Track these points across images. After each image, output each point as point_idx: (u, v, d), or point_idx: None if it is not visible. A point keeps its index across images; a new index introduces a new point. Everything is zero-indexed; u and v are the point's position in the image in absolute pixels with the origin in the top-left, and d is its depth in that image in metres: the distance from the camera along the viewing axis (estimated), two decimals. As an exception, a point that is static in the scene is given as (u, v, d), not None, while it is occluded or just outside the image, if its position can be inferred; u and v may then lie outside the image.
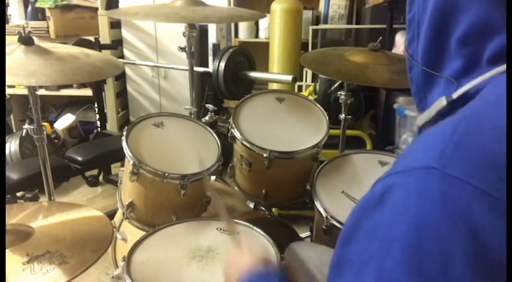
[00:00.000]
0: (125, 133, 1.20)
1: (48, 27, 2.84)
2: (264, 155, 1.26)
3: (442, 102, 0.49)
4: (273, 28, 2.97)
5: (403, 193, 0.39)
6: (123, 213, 1.26)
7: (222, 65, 1.78)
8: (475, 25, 0.46)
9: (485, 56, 0.46)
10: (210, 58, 2.70)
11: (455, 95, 0.48)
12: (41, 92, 2.75)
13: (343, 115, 1.65)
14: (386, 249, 0.38)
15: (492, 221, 0.34)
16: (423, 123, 0.54)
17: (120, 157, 1.31)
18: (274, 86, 2.78)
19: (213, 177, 1.58)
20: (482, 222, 0.34)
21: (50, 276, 0.80)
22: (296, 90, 2.94)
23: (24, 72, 1.04)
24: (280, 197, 1.45)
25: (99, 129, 2.75)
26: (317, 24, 3.19)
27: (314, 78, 2.81)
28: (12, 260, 0.83)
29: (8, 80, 1.01)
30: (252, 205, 1.49)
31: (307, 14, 3.15)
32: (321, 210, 1.17)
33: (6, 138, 2.42)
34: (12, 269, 0.80)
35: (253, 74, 1.88)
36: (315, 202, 1.21)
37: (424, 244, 0.36)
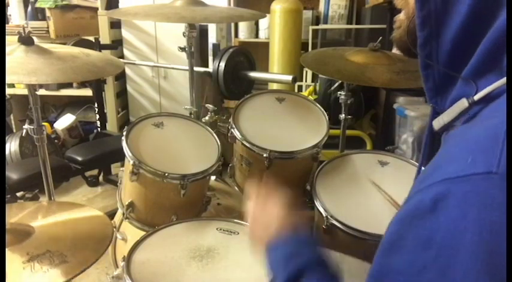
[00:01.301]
0: (124, 133, 1.20)
1: (48, 27, 2.84)
2: (264, 155, 1.26)
3: (463, 104, 0.48)
4: (273, 28, 2.97)
5: (460, 200, 0.38)
6: (123, 213, 1.26)
7: (222, 65, 1.78)
8: (501, 28, 0.45)
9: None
10: (210, 58, 2.70)
11: (477, 97, 0.47)
12: (41, 92, 2.75)
13: (343, 115, 1.65)
14: (450, 258, 0.37)
15: None
16: (441, 127, 0.52)
17: (120, 157, 1.31)
18: (274, 86, 2.79)
19: (213, 177, 1.58)
20: None
21: (50, 275, 0.80)
22: (296, 90, 2.94)
23: (24, 70, 1.04)
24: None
25: (99, 129, 2.74)
26: (317, 24, 3.19)
27: (314, 78, 2.81)
28: (13, 259, 0.83)
29: (8, 79, 1.01)
30: (252, 205, 1.49)
31: (307, 14, 3.15)
32: (321, 210, 1.17)
33: (6, 138, 2.42)
34: (12, 268, 0.80)
35: (253, 74, 1.88)
36: (315, 202, 1.21)
37: (496, 252, 0.35)
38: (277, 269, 0.59)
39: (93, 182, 2.66)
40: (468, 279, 0.35)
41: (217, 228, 1.09)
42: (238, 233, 1.08)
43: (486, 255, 0.35)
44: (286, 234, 0.63)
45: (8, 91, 2.81)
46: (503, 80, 0.44)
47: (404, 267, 0.40)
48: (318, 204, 1.20)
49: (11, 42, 1.16)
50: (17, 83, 2.20)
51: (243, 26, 3.32)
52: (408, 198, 0.43)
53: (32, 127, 1.25)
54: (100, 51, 2.37)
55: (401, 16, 0.59)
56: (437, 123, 0.53)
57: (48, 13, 2.81)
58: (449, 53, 0.50)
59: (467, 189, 0.37)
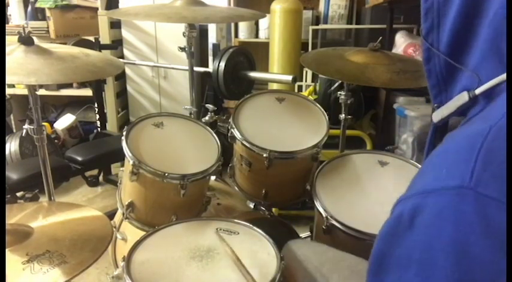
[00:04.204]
0: (124, 133, 1.20)
1: (48, 27, 2.84)
2: (264, 155, 1.26)
3: (463, 97, 0.47)
4: (273, 28, 2.97)
5: (434, 216, 0.37)
6: (123, 213, 1.26)
7: (222, 65, 1.78)
8: (496, 15, 0.44)
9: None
10: (210, 58, 2.70)
11: (478, 91, 0.46)
12: (41, 92, 2.75)
13: (343, 115, 1.65)
14: (427, 277, 0.36)
15: None
16: (440, 119, 0.52)
17: (120, 157, 1.31)
18: (274, 86, 2.78)
19: (213, 177, 1.58)
20: None
21: (49, 275, 0.80)
22: (296, 90, 2.94)
23: (24, 71, 1.04)
24: (280, 197, 1.45)
25: (99, 129, 2.75)
26: (317, 24, 3.19)
27: (314, 78, 2.81)
28: (12, 259, 0.83)
29: (8, 79, 1.01)
30: (252, 205, 1.49)
31: (307, 14, 3.15)
32: (321, 210, 1.17)
33: (6, 138, 2.42)
34: (12, 268, 0.80)
35: (253, 74, 1.88)
36: (315, 202, 1.21)
37: (469, 272, 0.34)
38: None
39: (93, 182, 2.66)
40: None
41: (217, 228, 1.09)
42: (238, 233, 1.08)
43: (459, 274, 0.35)
44: None
45: (8, 91, 2.81)
46: (505, 75, 0.43)
47: None
48: (318, 204, 1.20)
49: (11, 42, 1.16)
50: (17, 83, 2.20)
51: (243, 26, 3.32)
52: (393, 206, 0.43)
53: (32, 127, 1.25)
54: (100, 51, 2.37)
55: None
56: (437, 115, 0.53)
57: (48, 13, 2.81)
58: (449, 42, 0.51)
59: (441, 204, 0.37)
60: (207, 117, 1.64)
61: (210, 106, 1.65)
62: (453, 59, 0.50)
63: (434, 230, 0.37)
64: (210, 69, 1.88)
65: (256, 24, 3.33)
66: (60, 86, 2.96)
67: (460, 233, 0.35)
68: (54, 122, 3.06)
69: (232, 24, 3.26)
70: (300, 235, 1.45)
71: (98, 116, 2.73)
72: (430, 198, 0.38)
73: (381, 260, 0.42)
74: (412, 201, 0.40)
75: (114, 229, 1.22)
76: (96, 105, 2.72)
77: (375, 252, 0.43)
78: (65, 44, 2.10)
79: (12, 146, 2.38)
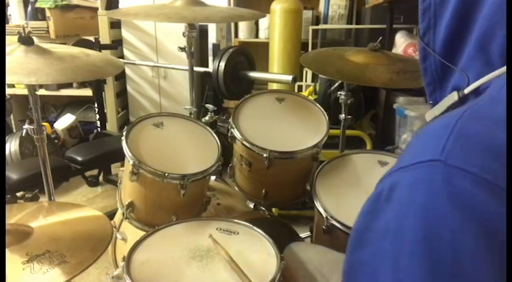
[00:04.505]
0: (124, 133, 1.20)
1: (48, 27, 2.84)
2: (264, 155, 1.26)
3: (453, 97, 0.49)
4: (273, 28, 2.97)
5: (408, 187, 0.39)
6: (123, 213, 1.26)
7: (222, 65, 1.78)
8: (492, 22, 0.46)
9: (499, 52, 0.45)
10: (210, 58, 2.70)
11: (467, 90, 0.48)
12: (41, 92, 2.75)
13: (343, 115, 1.65)
14: (399, 244, 0.38)
15: (496, 207, 0.35)
16: (432, 119, 0.53)
17: (120, 157, 1.31)
18: (274, 86, 2.78)
19: (213, 177, 1.58)
20: (487, 208, 0.35)
21: (49, 275, 0.80)
22: (296, 90, 2.94)
23: (24, 71, 1.04)
24: (280, 197, 1.45)
25: (99, 129, 2.75)
26: (317, 24, 3.19)
27: (314, 78, 2.81)
28: (12, 259, 0.83)
29: (8, 79, 1.01)
30: (252, 205, 1.49)
31: (307, 14, 3.15)
32: (321, 210, 1.17)
33: (6, 138, 2.42)
34: (12, 268, 0.80)
35: (253, 74, 1.88)
36: (315, 202, 1.21)
37: (434, 234, 0.36)
38: None
39: (93, 182, 2.66)
40: (411, 264, 0.37)
41: (217, 229, 1.09)
42: (238, 233, 1.08)
43: (427, 239, 0.36)
44: None
45: (8, 91, 2.81)
46: (492, 74, 0.45)
47: (370, 258, 0.42)
48: (318, 204, 1.20)
49: (11, 42, 1.16)
50: (17, 83, 2.20)
51: (243, 26, 3.32)
52: (376, 186, 0.45)
53: (32, 127, 1.25)
54: (100, 51, 2.37)
55: None
56: (429, 115, 0.55)
57: (48, 13, 2.81)
58: (444, 42, 0.52)
59: (415, 177, 0.39)
60: (207, 117, 1.64)
61: (210, 106, 1.65)
62: (447, 58, 0.52)
63: (407, 199, 0.39)
64: (210, 69, 1.88)
65: (256, 24, 3.33)
66: (60, 86, 2.96)
67: (428, 200, 0.37)
68: (54, 122, 3.06)
69: (232, 24, 3.26)
70: (300, 235, 1.45)
71: (98, 116, 2.73)
72: (406, 172, 0.41)
73: (361, 235, 0.44)
74: (390, 178, 0.42)
75: (114, 229, 1.22)
76: (96, 105, 2.72)
77: (355, 229, 0.45)
78: (65, 44, 2.10)
79: (12, 146, 2.38)
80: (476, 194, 0.35)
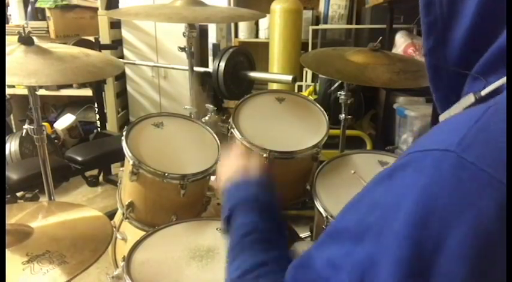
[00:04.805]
0: (124, 133, 1.20)
1: (48, 27, 2.84)
2: (264, 155, 1.26)
3: (470, 99, 0.48)
4: (273, 28, 2.97)
5: (415, 170, 0.39)
6: (123, 213, 1.26)
7: (222, 65, 1.78)
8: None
9: None
10: (210, 58, 2.70)
11: (483, 92, 0.47)
12: (41, 92, 2.75)
13: (343, 115, 1.65)
14: (389, 219, 0.38)
15: (497, 210, 0.34)
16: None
17: (120, 157, 1.31)
18: (274, 86, 2.79)
19: (213, 177, 1.58)
20: (488, 209, 0.34)
21: (49, 275, 0.80)
22: (296, 90, 2.94)
23: (24, 72, 1.04)
24: (280, 197, 1.45)
25: (99, 129, 2.74)
26: (317, 24, 3.19)
27: (314, 78, 2.81)
28: (12, 260, 0.83)
29: (8, 80, 1.00)
30: (252, 205, 1.49)
31: (307, 14, 3.15)
32: (321, 210, 1.17)
33: (6, 138, 2.42)
34: (12, 269, 0.80)
35: (253, 74, 1.88)
36: (315, 202, 1.21)
37: (427, 218, 0.36)
38: (223, 211, 0.68)
39: (93, 182, 2.65)
40: (395, 240, 0.37)
41: (217, 228, 1.09)
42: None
43: (414, 229, 0.36)
44: (237, 179, 0.71)
45: (8, 91, 2.81)
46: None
47: (352, 225, 0.43)
48: (318, 204, 1.20)
49: (11, 42, 1.16)
50: (17, 84, 2.20)
51: (243, 26, 3.32)
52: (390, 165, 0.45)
53: (32, 127, 1.25)
54: (100, 51, 2.37)
55: None
56: (444, 117, 0.53)
57: (48, 13, 2.81)
58: (461, 56, 0.50)
59: (422, 161, 0.39)
60: (207, 117, 1.64)
61: (210, 106, 1.65)
62: (463, 68, 0.50)
63: (410, 180, 0.39)
64: (210, 69, 1.88)
65: (256, 24, 3.33)
66: (60, 86, 2.96)
67: (431, 186, 0.37)
68: (54, 122, 3.06)
69: (232, 24, 3.26)
70: (300, 235, 1.45)
71: (98, 116, 2.72)
72: (416, 156, 0.41)
73: (353, 203, 0.46)
74: (403, 159, 0.42)
75: (114, 229, 1.22)
76: (96, 105, 2.72)
77: (351, 200, 0.46)
78: (65, 44, 2.10)
79: (12, 146, 2.38)
80: (482, 192, 0.35)
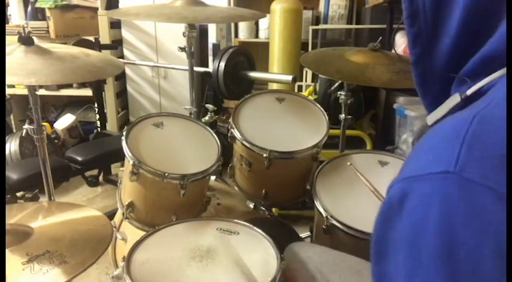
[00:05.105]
0: (124, 133, 1.20)
1: (48, 27, 2.84)
2: (264, 155, 1.26)
3: (455, 99, 0.48)
4: (273, 28, 2.97)
5: (420, 200, 0.38)
6: (123, 213, 1.26)
7: (222, 65, 1.78)
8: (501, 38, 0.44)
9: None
10: (210, 58, 2.70)
11: (469, 92, 0.47)
12: (41, 92, 2.75)
13: (343, 115, 1.65)
14: (416, 260, 0.37)
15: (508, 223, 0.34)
16: (434, 122, 0.52)
17: (120, 157, 1.31)
18: (274, 86, 2.78)
19: (213, 177, 1.58)
20: (503, 225, 0.34)
21: (49, 276, 0.80)
22: (296, 90, 2.94)
23: (24, 71, 1.04)
24: (280, 197, 1.45)
25: (99, 129, 2.74)
26: (317, 24, 3.19)
27: (314, 78, 2.81)
28: (12, 259, 0.83)
29: (8, 80, 1.01)
30: (252, 205, 1.49)
31: (307, 14, 3.15)
32: (321, 210, 1.17)
33: (6, 138, 2.42)
34: (12, 269, 0.80)
35: (253, 74, 1.88)
36: (315, 202, 1.21)
37: (452, 253, 0.35)
38: None
39: (93, 182, 2.66)
40: (433, 279, 0.36)
41: (217, 228, 1.09)
42: (238, 233, 1.08)
43: (446, 256, 0.35)
44: None
45: (8, 91, 2.81)
46: (495, 74, 0.44)
47: (393, 270, 0.41)
48: (318, 204, 1.20)
49: (11, 42, 1.16)
50: (17, 84, 2.20)
51: (243, 26, 3.32)
52: (388, 189, 0.44)
53: (32, 127, 1.25)
54: (100, 51, 2.37)
55: None
56: (431, 118, 0.54)
57: (48, 13, 2.81)
58: (448, 64, 0.50)
59: (427, 189, 0.38)
60: (207, 117, 1.64)
61: (210, 106, 1.65)
62: (450, 72, 0.51)
63: (421, 213, 0.38)
64: (210, 69, 1.88)
65: (256, 24, 3.33)
66: (60, 86, 2.96)
67: (444, 216, 0.36)
68: (54, 122, 3.06)
69: (232, 24, 3.26)
70: (300, 235, 1.45)
71: (98, 116, 2.72)
72: (416, 183, 0.39)
73: (380, 246, 0.43)
74: (400, 186, 0.41)
75: (114, 229, 1.22)
76: (96, 105, 2.72)
77: (374, 239, 0.44)
78: (65, 44, 2.10)
79: (12, 146, 2.38)
80: (495, 209, 0.34)
